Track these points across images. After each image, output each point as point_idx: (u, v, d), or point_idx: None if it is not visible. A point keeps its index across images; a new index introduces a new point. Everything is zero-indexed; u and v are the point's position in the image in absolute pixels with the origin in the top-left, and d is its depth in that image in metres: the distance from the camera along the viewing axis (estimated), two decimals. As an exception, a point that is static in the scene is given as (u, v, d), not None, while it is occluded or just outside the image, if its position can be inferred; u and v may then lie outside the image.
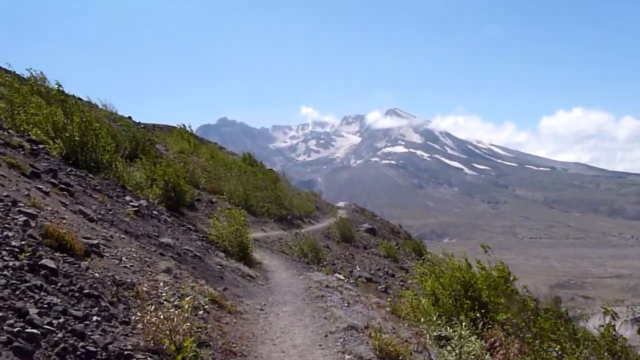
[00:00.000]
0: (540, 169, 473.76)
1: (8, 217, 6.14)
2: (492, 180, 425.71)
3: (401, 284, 21.28)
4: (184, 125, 42.57)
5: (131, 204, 10.05)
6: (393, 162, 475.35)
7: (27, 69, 21.58)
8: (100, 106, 33.59)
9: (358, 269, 21.34)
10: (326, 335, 7.75)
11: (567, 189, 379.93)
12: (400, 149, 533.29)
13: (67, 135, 12.18)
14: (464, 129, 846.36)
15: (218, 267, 10.13)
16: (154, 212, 11.49)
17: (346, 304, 9.21)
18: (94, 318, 5.00)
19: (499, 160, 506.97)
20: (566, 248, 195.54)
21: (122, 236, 8.20)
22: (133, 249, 7.72)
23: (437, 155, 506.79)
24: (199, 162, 30.96)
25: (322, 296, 9.67)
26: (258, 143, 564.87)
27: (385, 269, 23.48)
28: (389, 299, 12.06)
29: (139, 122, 41.16)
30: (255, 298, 9.32)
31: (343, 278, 14.76)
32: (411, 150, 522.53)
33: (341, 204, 55.75)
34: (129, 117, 40.19)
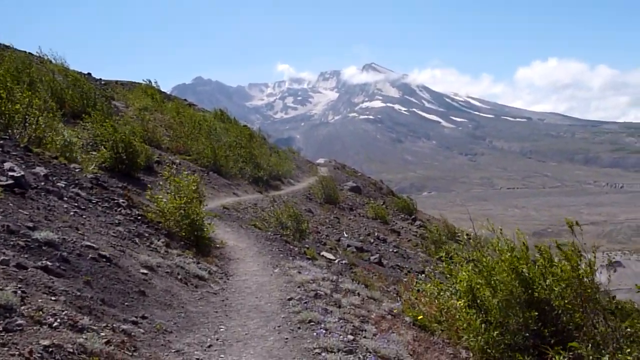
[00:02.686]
0: (517, 120, 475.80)
1: None
2: (470, 133, 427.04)
3: (394, 250, 18.81)
4: (149, 81, 39.08)
5: (10, 174, 6.86)
6: (371, 117, 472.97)
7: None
8: (52, 60, 30.23)
9: (346, 235, 18.76)
10: None
11: (544, 139, 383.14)
12: (377, 103, 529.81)
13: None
14: (441, 82, 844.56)
15: (142, 272, 6.77)
16: (60, 184, 8.25)
17: (351, 336, 5.80)
18: None
19: (476, 113, 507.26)
20: (543, 197, 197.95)
21: None
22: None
23: (414, 109, 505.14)
24: (163, 119, 27.78)
25: (310, 322, 6.21)
26: (235, 102, 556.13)
27: (376, 233, 20.96)
28: (402, 294, 9.03)
29: (99, 79, 37.62)
30: (195, 331, 5.79)
31: (333, 258, 12.01)
32: (389, 104, 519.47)
33: (321, 160, 53.21)
34: (88, 74, 36.67)
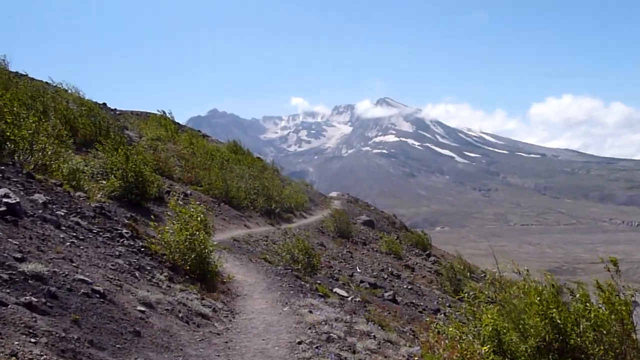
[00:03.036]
0: (531, 155, 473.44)
1: None
2: (483, 168, 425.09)
3: (409, 287, 18.18)
4: (163, 112, 39.16)
5: (3, 200, 6.15)
6: (384, 151, 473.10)
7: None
8: (68, 90, 30.42)
9: (359, 270, 18.20)
10: None
11: (558, 175, 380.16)
12: (391, 138, 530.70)
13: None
14: (455, 117, 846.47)
15: (139, 309, 6.10)
16: (59, 212, 7.76)
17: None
18: None
19: (490, 148, 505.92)
20: (558, 234, 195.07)
21: None
22: None
23: (428, 144, 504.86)
24: (175, 150, 27.60)
25: (323, 372, 5.99)
26: (249, 134, 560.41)
27: (389, 269, 20.37)
28: (420, 336, 8.42)
29: (114, 109, 37.81)
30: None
31: (346, 295, 11.44)
32: (402, 139, 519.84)
33: (334, 194, 52.81)
34: (103, 104, 36.87)
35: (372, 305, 11.80)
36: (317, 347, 6.36)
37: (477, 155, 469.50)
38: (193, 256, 9.12)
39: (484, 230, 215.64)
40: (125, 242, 8.65)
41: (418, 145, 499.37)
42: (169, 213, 13.24)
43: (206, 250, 9.37)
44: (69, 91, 30.17)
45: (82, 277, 5.95)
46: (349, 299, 11.21)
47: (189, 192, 20.14)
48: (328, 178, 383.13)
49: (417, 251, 28.34)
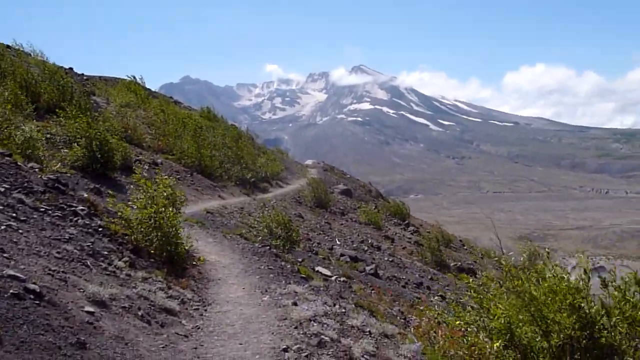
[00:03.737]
0: (504, 124, 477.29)
1: None
2: (457, 136, 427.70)
3: (390, 259, 17.62)
4: (133, 77, 37.57)
5: None
6: (359, 119, 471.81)
7: None
8: (32, 55, 28.79)
9: (338, 242, 17.55)
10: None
11: (531, 143, 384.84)
12: (366, 105, 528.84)
13: None
14: (430, 85, 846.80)
15: (87, 310, 4.95)
16: None
17: None
18: None
19: (464, 116, 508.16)
20: (529, 201, 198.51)
21: None
22: None
23: (402, 112, 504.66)
24: (146, 117, 26.36)
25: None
26: (223, 101, 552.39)
27: (369, 240, 19.77)
28: (417, 326, 7.63)
29: (81, 74, 36.10)
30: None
31: (329, 274, 10.71)
32: (377, 106, 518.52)
33: (309, 162, 52.04)
34: (70, 68, 35.17)
35: (356, 283, 11.15)
36: (307, 356, 5.39)
37: (451, 124, 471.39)
38: (158, 236, 8.06)
39: (457, 198, 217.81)
40: (79, 221, 7.56)
41: (392, 113, 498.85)
42: (137, 184, 12.30)
43: (174, 229, 8.31)
44: (33, 55, 28.57)
45: (12, 272, 4.79)
46: (333, 278, 10.48)
47: (159, 161, 19.12)
48: (303, 146, 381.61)
49: (395, 221, 27.83)
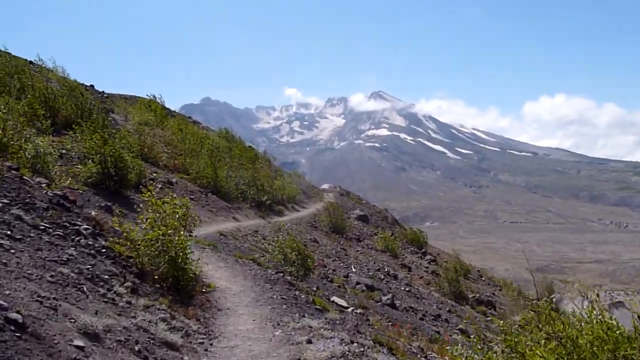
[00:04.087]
0: (523, 154, 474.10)
1: None
2: (475, 165, 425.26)
3: (406, 289, 17.04)
4: (153, 96, 37.67)
5: None
6: (377, 144, 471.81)
7: None
8: (53, 70, 28.90)
9: (354, 270, 17.03)
10: None
11: (549, 174, 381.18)
12: (383, 131, 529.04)
13: None
14: (448, 113, 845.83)
15: (77, 344, 4.36)
16: None
17: None
18: None
19: (482, 145, 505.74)
20: (547, 233, 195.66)
21: None
22: None
23: (420, 139, 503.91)
24: (163, 135, 26.26)
25: None
26: (242, 123, 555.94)
27: (386, 268, 19.23)
28: None
29: (102, 92, 36.29)
30: None
31: (345, 305, 10.20)
32: (395, 133, 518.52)
33: (325, 186, 51.67)
34: (91, 86, 35.40)
35: (373, 314, 10.62)
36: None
37: (469, 152, 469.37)
38: (165, 260, 7.50)
39: (473, 227, 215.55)
40: (82, 241, 7.05)
41: (410, 140, 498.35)
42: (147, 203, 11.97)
43: (183, 254, 7.74)
44: (54, 71, 28.69)
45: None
46: (349, 310, 9.96)
47: (174, 180, 18.87)
48: (320, 170, 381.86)
49: (412, 249, 27.23)
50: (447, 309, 16.66)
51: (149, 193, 8.29)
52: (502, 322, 5.28)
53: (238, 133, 37.51)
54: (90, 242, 7.21)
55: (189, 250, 7.95)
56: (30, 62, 28.88)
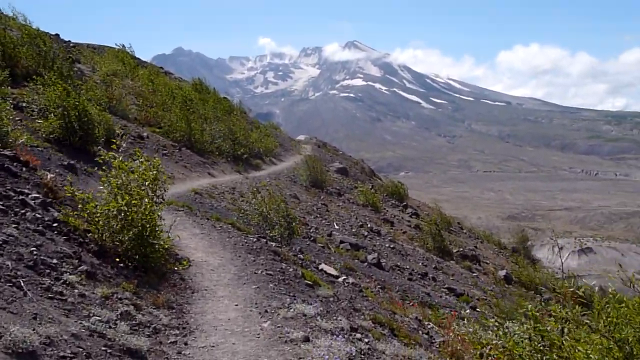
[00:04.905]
0: (496, 103, 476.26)
1: None
2: (449, 114, 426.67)
3: (391, 245, 16.51)
4: (122, 45, 35.83)
5: None
6: (352, 95, 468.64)
7: None
8: (16, 19, 26.95)
9: (337, 227, 16.39)
10: None
11: (522, 123, 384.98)
12: (358, 82, 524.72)
13: None
14: (423, 63, 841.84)
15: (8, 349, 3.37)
16: None
17: None
18: None
19: (456, 95, 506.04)
20: (519, 181, 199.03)
21: None
22: None
23: (395, 89, 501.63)
24: (133, 87, 24.90)
25: None
26: (215, 74, 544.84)
27: (369, 224, 18.64)
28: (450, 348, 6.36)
29: (68, 41, 34.31)
30: None
31: (335, 274, 9.46)
32: (370, 83, 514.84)
33: (301, 137, 50.78)
34: (56, 34, 33.40)
35: (362, 279, 9.98)
36: None
37: (444, 102, 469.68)
38: (130, 235, 6.25)
39: (447, 176, 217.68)
40: (28, 214, 5.81)
41: (385, 90, 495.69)
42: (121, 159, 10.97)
43: (151, 226, 6.47)
44: (14, 18, 26.77)
45: None
46: (340, 280, 9.23)
47: (145, 134, 17.78)
48: (294, 121, 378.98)
49: (393, 202, 26.71)
50: (433, 265, 16.22)
51: (111, 153, 6.94)
52: (530, 306, 4.60)
53: (211, 84, 36.12)
54: (38, 215, 6.00)
55: (159, 221, 6.78)
56: (-13, 9, 26.93)
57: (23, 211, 5.93)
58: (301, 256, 9.71)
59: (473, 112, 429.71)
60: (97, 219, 6.31)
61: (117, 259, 6.26)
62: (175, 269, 7.01)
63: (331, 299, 7.13)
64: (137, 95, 23.25)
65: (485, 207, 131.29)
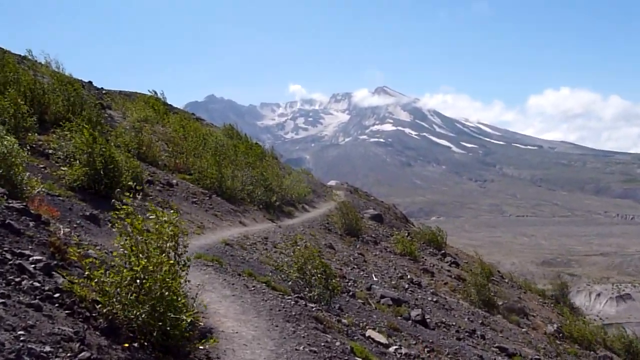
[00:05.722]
0: (528, 147, 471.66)
1: None
2: (480, 159, 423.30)
3: (433, 299, 15.33)
4: (154, 92, 35.97)
5: None
6: (381, 140, 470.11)
7: None
8: (49, 66, 27.17)
9: (375, 279, 15.32)
10: None
11: (554, 167, 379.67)
12: (388, 127, 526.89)
13: None
14: (453, 108, 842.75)
15: None
16: None
17: None
18: None
19: (487, 139, 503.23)
20: (553, 226, 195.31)
21: None
22: None
23: (425, 134, 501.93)
24: (164, 133, 24.58)
25: None
26: (246, 120, 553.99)
27: (408, 275, 17.49)
28: None
29: (100, 88, 34.60)
30: None
31: (385, 342, 8.36)
32: (399, 128, 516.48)
33: (332, 182, 49.93)
34: (89, 82, 33.75)
35: (406, 337, 8.86)
36: None
37: (474, 146, 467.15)
38: (147, 309, 5.16)
39: (479, 221, 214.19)
40: (24, 283, 4.74)
41: (415, 135, 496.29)
42: (149, 208, 10.22)
43: (173, 296, 5.30)
44: (47, 65, 26.93)
45: None
46: (392, 351, 8.13)
47: (174, 181, 17.15)
48: (324, 166, 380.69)
49: (431, 250, 25.44)
50: (480, 321, 14.94)
51: (126, 207, 5.66)
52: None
53: (243, 130, 35.84)
54: (37, 284, 4.92)
55: (182, 287, 5.60)
56: (23, 57, 27.22)
57: (18, 279, 4.88)
58: (345, 321, 8.64)
59: (504, 156, 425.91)
60: (106, 288, 5.21)
61: (131, 336, 5.22)
62: (201, 347, 5.83)
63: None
64: (168, 141, 22.86)
65: (518, 253, 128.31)
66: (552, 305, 25.13)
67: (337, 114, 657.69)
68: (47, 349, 4.02)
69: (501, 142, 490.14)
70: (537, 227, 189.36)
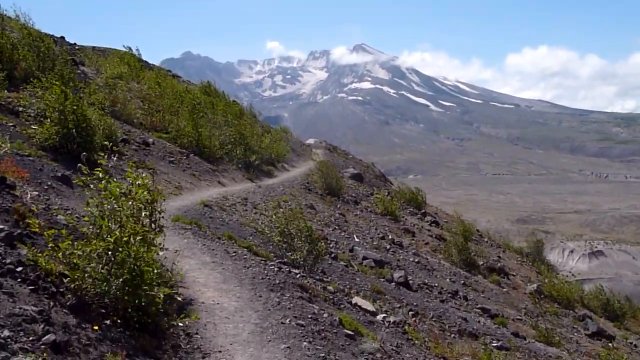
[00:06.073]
0: (505, 106, 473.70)
1: None
2: (458, 117, 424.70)
3: (415, 259, 15.27)
4: (129, 48, 34.79)
5: None
6: (360, 98, 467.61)
7: None
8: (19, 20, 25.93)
9: (357, 240, 15.17)
10: None
11: (531, 126, 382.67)
12: (366, 85, 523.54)
13: None
14: (431, 66, 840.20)
15: None
16: None
17: None
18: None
19: (465, 97, 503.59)
20: (528, 184, 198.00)
21: None
22: None
23: (403, 92, 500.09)
24: (139, 90, 23.80)
25: None
26: (223, 78, 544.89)
27: (390, 235, 17.40)
28: None
29: (73, 43, 33.31)
30: None
31: (372, 309, 8.12)
32: (377, 86, 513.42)
33: (311, 141, 49.48)
34: (61, 37, 32.44)
35: (390, 301, 8.71)
36: None
37: (452, 105, 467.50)
38: (120, 283, 4.67)
39: (456, 179, 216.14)
40: None
41: (393, 93, 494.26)
42: (124, 169, 9.77)
43: (149, 268, 4.79)
44: (16, 20, 25.75)
45: None
46: (380, 319, 7.92)
47: (150, 140, 16.63)
48: (303, 124, 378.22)
49: (411, 209, 25.41)
50: (462, 281, 14.97)
51: (99, 169, 5.12)
52: None
53: (220, 88, 35.03)
54: None
55: (158, 257, 5.10)
56: (-10, 11, 25.89)
57: None
58: (330, 288, 8.41)
59: (481, 115, 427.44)
60: (75, 261, 4.67)
61: (102, 313, 4.76)
62: (180, 324, 5.36)
63: (378, 355, 5.79)
64: (143, 99, 22.15)
65: (494, 210, 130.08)
66: (530, 263, 25.42)
67: (315, 71, 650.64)
68: (6, 333, 3.55)
69: (479, 101, 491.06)
70: (513, 185, 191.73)
